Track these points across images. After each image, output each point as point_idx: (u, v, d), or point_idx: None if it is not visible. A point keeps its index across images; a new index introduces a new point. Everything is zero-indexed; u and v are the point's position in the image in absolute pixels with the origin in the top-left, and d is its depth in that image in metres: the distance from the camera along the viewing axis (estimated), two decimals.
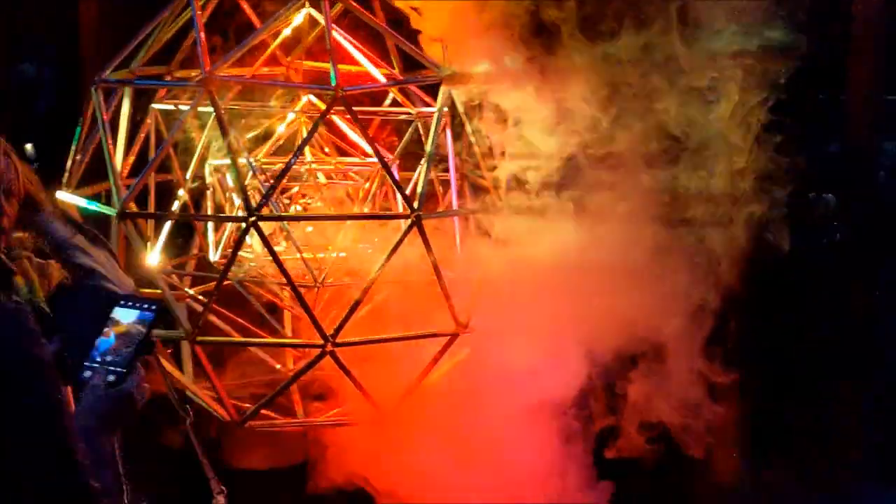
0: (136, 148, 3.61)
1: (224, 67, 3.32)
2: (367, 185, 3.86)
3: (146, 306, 2.28)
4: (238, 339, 3.72)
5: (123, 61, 3.59)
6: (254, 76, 3.79)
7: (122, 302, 2.30)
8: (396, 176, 3.74)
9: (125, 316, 2.27)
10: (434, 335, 3.46)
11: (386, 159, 3.65)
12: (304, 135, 3.85)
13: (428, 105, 3.78)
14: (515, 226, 3.54)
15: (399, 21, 3.66)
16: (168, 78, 3.70)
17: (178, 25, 3.57)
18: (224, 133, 3.23)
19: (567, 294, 3.44)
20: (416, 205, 3.32)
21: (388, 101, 4.01)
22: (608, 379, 3.83)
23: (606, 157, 3.49)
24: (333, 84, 3.23)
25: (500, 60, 3.49)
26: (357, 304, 3.31)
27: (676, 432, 3.83)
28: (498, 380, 3.57)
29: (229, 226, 3.78)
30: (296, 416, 3.75)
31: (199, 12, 3.28)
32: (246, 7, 3.76)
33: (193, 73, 3.46)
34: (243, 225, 3.19)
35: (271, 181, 3.57)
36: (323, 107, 3.58)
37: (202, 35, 3.26)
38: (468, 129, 3.55)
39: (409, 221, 3.29)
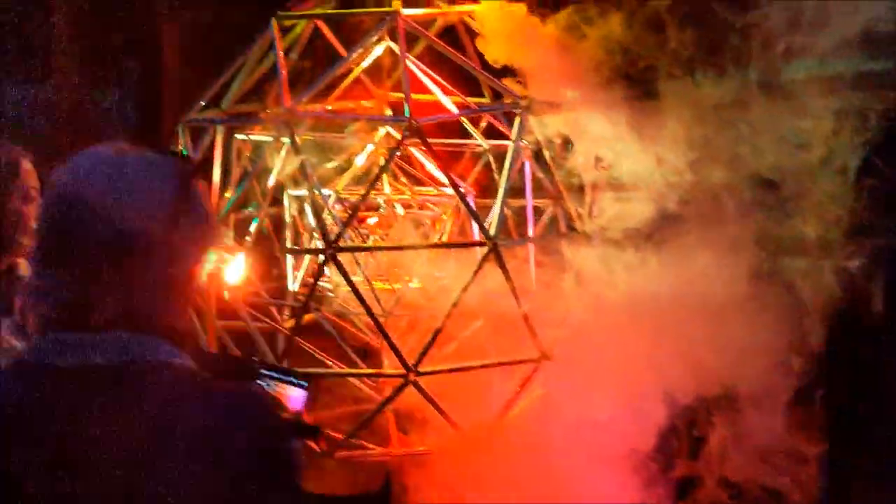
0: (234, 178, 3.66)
1: (305, 101, 3.38)
2: (445, 215, 3.87)
3: (296, 381, 2.19)
4: (321, 370, 3.76)
5: (211, 99, 3.65)
6: (333, 109, 3.83)
7: (266, 372, 2.21)
8: (473, 206, 3.75)
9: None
10: (516, 362, 3.47)
11: (463, 189, 3.67)
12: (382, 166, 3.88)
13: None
14: (598, 259, 3.51)
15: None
16: (263, 115, 3.74)
17: (271, 61, 3.60)
18: (302, 168, 3.28)
19: (648, 335, 3.39)
20: (492, 233, 3.32)
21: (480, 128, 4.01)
22: (689, 427, 3.75)
23: (696, 197, 3.43)
24: (406, 115, 3.27)
25: (587, 93, 3.48)
26: (438, 332, 3.32)
27: (758, 492, 3.71)
28: (573, 419, 3.54)
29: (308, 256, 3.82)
30: (384, 444, 3.77)
31: (280, 52, 3.35)
32: (330, 36, 3.79)
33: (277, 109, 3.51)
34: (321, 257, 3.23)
35: (349, 212, 3.61)
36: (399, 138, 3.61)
37: (284, 72, 3.33)
38: (547, 159, 3.55)
39: (485, 250, 3.30)
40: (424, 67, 3.73)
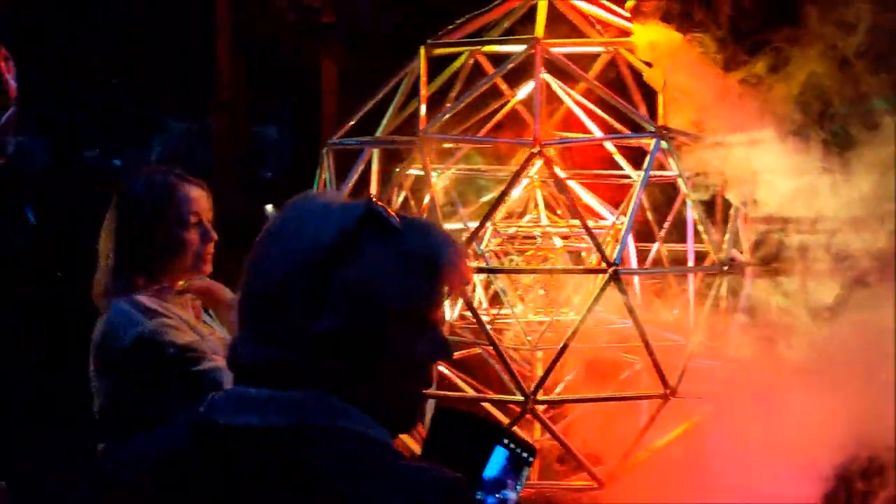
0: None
1: (438, 127, 3.40)
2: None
3: (527, 455, 2.04)
4: (444, 393, 3.72)
5: (361, 124, 3.69)
6: (466, 134, 3.83)
7: (507, 442, 2.03)
8: (631, 240, 3.70)
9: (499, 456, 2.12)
10: (641, 397, 3.40)
11: (616, 219, 3.65)
12: (538, 198, 3.87)
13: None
14: (767, 292, 3.40)
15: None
16: (396, 138, 3.77)
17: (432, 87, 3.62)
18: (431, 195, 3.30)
19: (817, 384, 3.23)
20: (614, 259, 3.25)
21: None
22: (858, 478, 3.56)
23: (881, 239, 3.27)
24: (532, 139, 3.25)
25: (747, 125, 3.39)
26: (557, 358, 3.27)
27: None
28: (728, 461, 3.41)
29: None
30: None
31: (423, 79, 3.39)
32: (488, 67, 3.79)
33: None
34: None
35: (507, 244, 3.62)
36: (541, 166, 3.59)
37: (423, 99, 3.36)
38: (685, 189, 3.46)
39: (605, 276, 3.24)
40: (571, 92, 3.69)
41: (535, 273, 3.78)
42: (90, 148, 12.95)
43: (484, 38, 3.68)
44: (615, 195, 3.91)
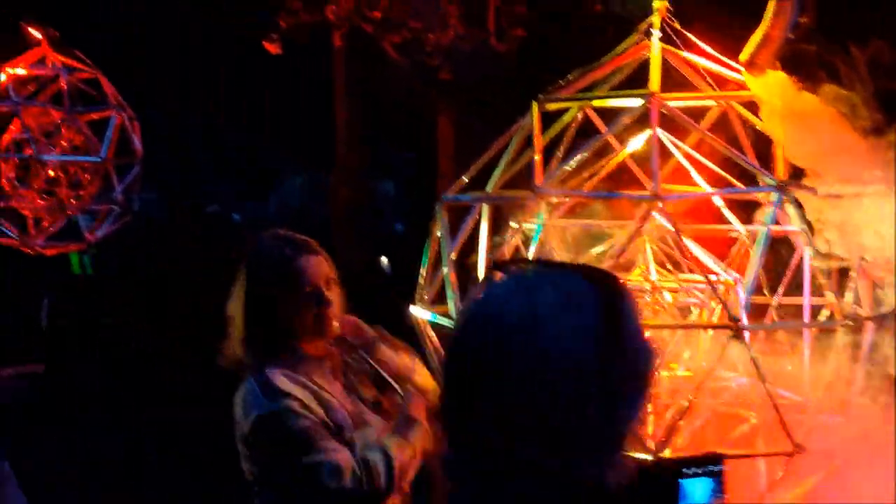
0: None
1: (554, 182, 3.40)
2: (713, 302, 3.78)
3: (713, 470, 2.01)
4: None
5: (478, 178, 3.71)
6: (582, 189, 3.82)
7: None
8: (742, 295, 3.65)
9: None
10: (768, 454, 3.33)
11: (729, 276, 3.60)
12: (647, 252, 3.83)
13: None
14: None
15: None
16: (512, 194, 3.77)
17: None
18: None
19: None
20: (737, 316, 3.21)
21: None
22: None
23: None
24: (652, 193, 3.22)
25: (868, 176, 3.33)
26: (683, 413, 3.23)
27: None
28: None
29: None
30: None
31: (538, 134, 3.39)
32: (597, 121, 3.79)
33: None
34: None
35: None
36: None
37: (539, 154, 3.37)
38: (806, 243, 3.40)
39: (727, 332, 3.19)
40: (685, 148, 3.67)
41: (665, 328, 3.73)
42: (210, 203, 13.24)
43: (598, 93, 3.68)
44: (717, 249, 3.87)
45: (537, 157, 3.41)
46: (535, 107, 3.54)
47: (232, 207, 13.60)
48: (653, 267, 3.87)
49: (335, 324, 3.61)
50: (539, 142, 3.47)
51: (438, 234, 3.64)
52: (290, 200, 14.63)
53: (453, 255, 3.53)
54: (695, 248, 3.81)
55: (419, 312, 3.68)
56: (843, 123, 3.41)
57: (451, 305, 3.44)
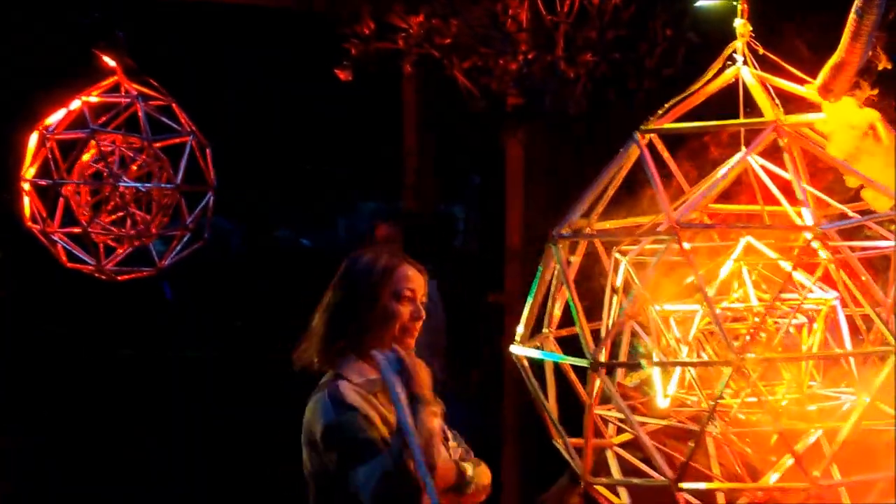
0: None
1: (687, 214, 3.32)
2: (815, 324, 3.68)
3: None
4: (722, 484, 3.61)
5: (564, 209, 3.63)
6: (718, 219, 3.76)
7: None
8: (841, 314, 3.58)
9: None
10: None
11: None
12: (744, 277, 3.73)
13: None
14: None
15: None
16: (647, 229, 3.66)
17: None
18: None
19: None
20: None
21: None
22: None
23: None
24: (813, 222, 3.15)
25: None
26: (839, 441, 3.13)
27: None
28: None
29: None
30: None
31: (652, 166, 3.30)
32: (663, 154, 3.72)
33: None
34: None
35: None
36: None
37: (660, 184, 3.25)
38: None
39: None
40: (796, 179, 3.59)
41: (813, 359, 3.58)
42: (281, 229, 13.33)
43: (711, 123, 3.57)
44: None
45: (662, 189, 3.30)
46: (639, 137, 3.45)
47: (301, 233, 13.68)
48: (752, 291, 3.78)
49: (411, 342, 3.82)
50: (656, 173, 3.34)
51: (552, 269, 3.53)
52: (360, 228, 14.69)
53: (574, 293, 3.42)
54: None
55: (520, 351, 3.51)
56: None
57: (583, 342, 3.32)
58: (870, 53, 3.41)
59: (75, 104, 6.06)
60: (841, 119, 3.46)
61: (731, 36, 3.54)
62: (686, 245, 3.20)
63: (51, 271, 6.37)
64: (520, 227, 7.56)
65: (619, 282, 3.68)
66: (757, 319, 3.67)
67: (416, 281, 3.84)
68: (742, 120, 3.52)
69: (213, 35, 10.53)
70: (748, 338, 3.59)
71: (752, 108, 3.56)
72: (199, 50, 10.80)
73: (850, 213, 3.50)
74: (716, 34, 3.62)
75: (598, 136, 3.48)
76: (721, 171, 3.51)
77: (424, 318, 3.86)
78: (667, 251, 3.27)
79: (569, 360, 3.42)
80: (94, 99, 6.12)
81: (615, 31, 7.37)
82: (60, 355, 9.97)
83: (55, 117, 6.04)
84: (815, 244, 3.26)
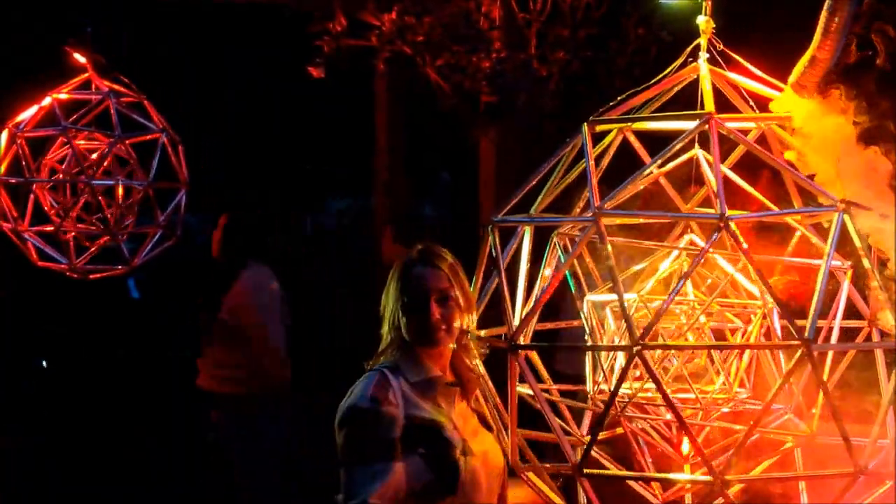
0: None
1: (610, 204, 3.36)
2: (749, 326, 3.74)
3: None
4: (622, 472, 3.65)
5: (523, 200, 3.69)
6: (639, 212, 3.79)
7: None
8: (776, 318, 3.65)
9: None
10: (828, 475, 3.27)
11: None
12: (685, 272, 3.78)
13: None
14: None
15: None
16: (572, 215, 3.76)
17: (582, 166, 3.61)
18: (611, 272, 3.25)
19: None
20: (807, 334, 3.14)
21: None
22: None
23: None
24: (719, 213, 3.18)
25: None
26: (746, 439, 3.18)
27: None
28: None
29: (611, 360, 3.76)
30: None
31: (591, 157, 3.37)
32: (637, 146, 3.76)
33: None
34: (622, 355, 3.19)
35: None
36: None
37: (593, 176, 3.33)
38: (866, 264, 3.35)
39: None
40: (733, 176, 3.63)
41: (731, 349, 3.71)
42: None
43: (652, 115, 3.64)
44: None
45: (594, 178, 3.37)
46: (585, 129, 3.51)
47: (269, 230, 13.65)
48: (690, 288, 3.83)
49: (442, 335, 3.79)
50: (593, 163, 3.42)
51: (488, 254, 3.61)
52: (331, 225, 14.69)
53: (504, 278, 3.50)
54: (727, 266, 3.77)
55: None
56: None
57: (508, 325, 3.42)
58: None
59: (46, 101, 6.03)
60: (803, 113, 3.49)
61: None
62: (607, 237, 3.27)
63: (51, 271, 6.33)
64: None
65: (551, 265, 3.80)
66: (682, 318, 3.76)
67: (424, 281, 3.83)
68: (678, 112, 3.57)
69: (186, 33, 10.51)
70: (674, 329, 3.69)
71: (730, 107, 3.62)
72: (171, 48, 10.77)
73: (775, 210, 3.57)
74: (684, 34, 3.65)
75: (570, 133, 3.51)
76: (650, 163, 3.55)
77: (437, 314, 3.81)
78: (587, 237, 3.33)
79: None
80: (64, 96, 6.09)
81: (587, 30, 7.43)
82: (60, 355, 9.98)
83: (26, 115, 6.01)
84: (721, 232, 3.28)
